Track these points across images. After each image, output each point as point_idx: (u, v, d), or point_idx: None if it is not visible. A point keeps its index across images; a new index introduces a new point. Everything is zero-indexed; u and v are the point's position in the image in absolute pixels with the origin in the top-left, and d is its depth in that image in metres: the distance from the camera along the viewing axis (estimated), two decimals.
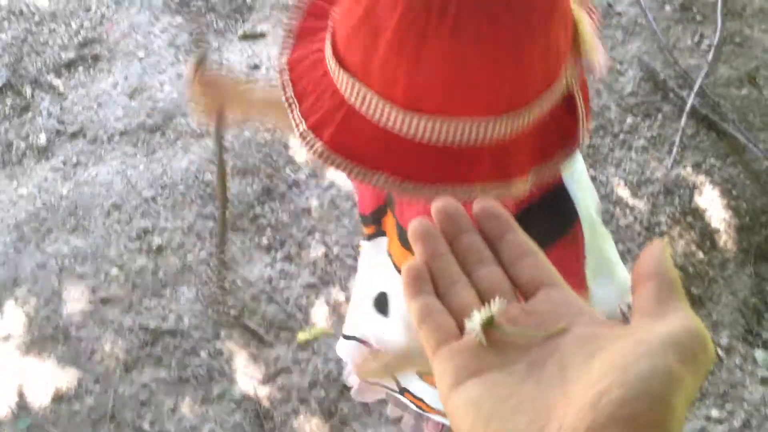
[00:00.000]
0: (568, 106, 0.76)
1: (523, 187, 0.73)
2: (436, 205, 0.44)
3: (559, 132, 0.75)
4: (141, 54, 2.50)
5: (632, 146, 2.17)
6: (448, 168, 0.71)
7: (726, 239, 2.00)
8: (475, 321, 0.38)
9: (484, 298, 0.40)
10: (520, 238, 0.42)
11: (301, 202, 2.11)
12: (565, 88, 0.75)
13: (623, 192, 2.07)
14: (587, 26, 0.73)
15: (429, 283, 0.41)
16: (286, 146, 2.22)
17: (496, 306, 0.38)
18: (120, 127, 2.30)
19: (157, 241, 2.03)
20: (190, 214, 2.07)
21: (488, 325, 0.37)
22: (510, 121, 0.70)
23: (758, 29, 2.45)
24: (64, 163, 2.24)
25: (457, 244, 0.43)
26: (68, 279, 1.99)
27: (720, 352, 1.82)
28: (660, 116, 2.23)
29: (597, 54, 0.73)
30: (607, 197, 2.06)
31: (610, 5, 2.48)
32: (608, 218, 2.02)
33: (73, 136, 2.30)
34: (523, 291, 0.41)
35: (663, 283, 0.36)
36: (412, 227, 0.43)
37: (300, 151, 2.20)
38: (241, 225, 2.06)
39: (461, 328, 0.39)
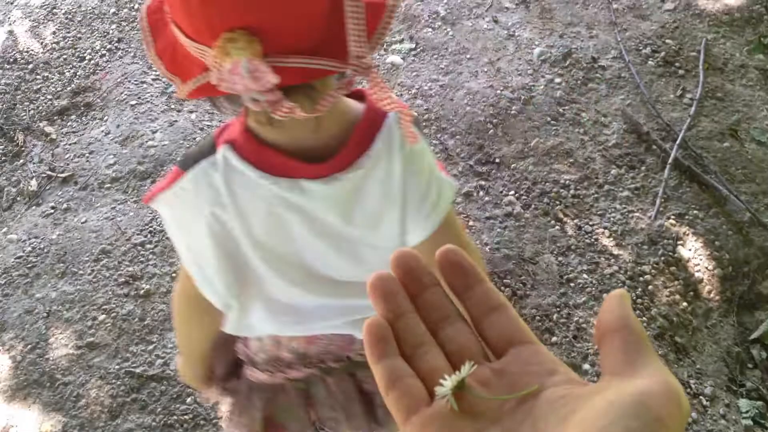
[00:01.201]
0: None
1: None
2: (396, 258, 0.41)
3: None
4: (133, 102, 2.54)
5: (616, 197, 2.21)
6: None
7: (709, 289, 2.02)
8: (446, 387, 0.37)
9: (453, 360, 0.39)
10: (487, 290, 0.40)
11: None
12: None
13: (607, 242, 2.10)
14: None
15: (394, 344, 0.39)
16: None
17: (466, 370, 0.37)
18: (111, 173, 2.32)
19: (144, 286, 2.03)
20: (178, 261, 2.07)
21: (459, 389, 0.37)
22: None
23: (739, 84, 2.51)
24: (54, 209, 2.25)
25: (420, 300, 0.41)
26: (55, 324, 1.98)
27: (704, 401, 1.83)
28: (644, 168, 2.27)
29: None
30: (591, 246, 2.09)
31: (594, 59, 2.54)
32: (593, 267, 2.05)
33: (64, 182, 2.32)
34: (492, 348, 0.40)
35: (629, 337, 0.35)
36: (372, 282, 0.40)
37: None
38: None
39: (431, 393, 0.38)
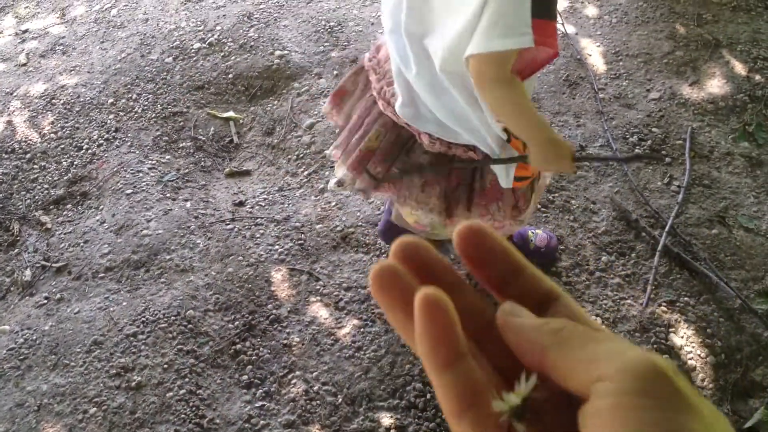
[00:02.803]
0: None
1: None
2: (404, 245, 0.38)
3: None
4: (129, 191, 2.57)
5: (607, 284, 2.22)
6: None
7: (703, 377, 2.02)
8: (507, 403, 0.33)
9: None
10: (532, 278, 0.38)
11: (282, 338, 2.12)
12: None
13: None
14: None
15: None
16: (268, 281, 2.26)
17: (529, 385, 0.34)
18: (105, 263, 2.33)
19: (136, 378, 2.02)
20: (171, 351, 2.07)
21: (522, 409, 0.33)
22: None
23: (725, 171, 2.56)
24: (48, 300, 2.25)
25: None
26: (46, 418, 1.96)
27: None
28: (634, 255, 2.29)
29: None
30: None
31: (582, 147, 2.59)
32: None
33: (58, 272, 2.33)
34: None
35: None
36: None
37: (282, 287, 2.24)
38: (221, 362, 2.06)
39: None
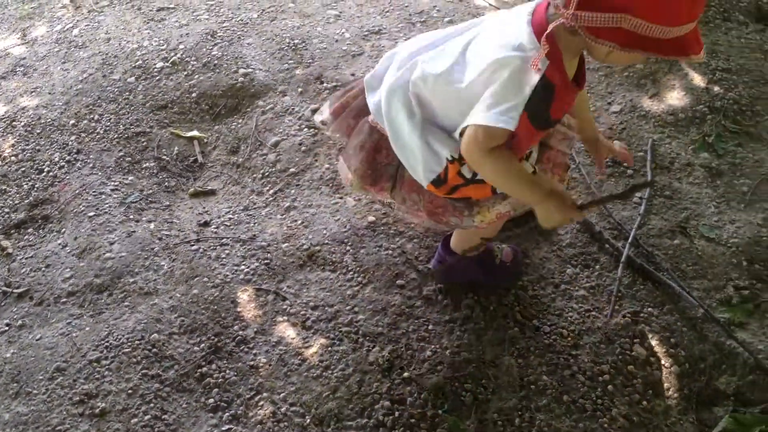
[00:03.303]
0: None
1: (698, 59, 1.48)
2: None
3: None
4: (91, 213, 2.55)
5: (573, 296, 2.24)
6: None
7: (668, 386, 2.04)
8: None
9: None
10: None
11: (249, 359, 2.11)
12: None
13: (566, 342, 2.11)
14: None
15: None
16: (234, 302, 2.24)
17: None
18: (67, 288, 2.31)
19: (100, 405, 1.99)
20: (135, 376, 2.05)
21: None
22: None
23: (686, 182, 2.59)
24: (9, 326, 2.22)
25: None
26: None
27: None
28: (598, 267, 2.31)
29: None
30: (550, 347, 2.10)
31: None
32: (552, 369, 2.05)
33: (20, 298, 2.30)
34: None
35: None
36: None
37: (248, 307, 2.22)
38: (187, 385, 2.04)
39: None
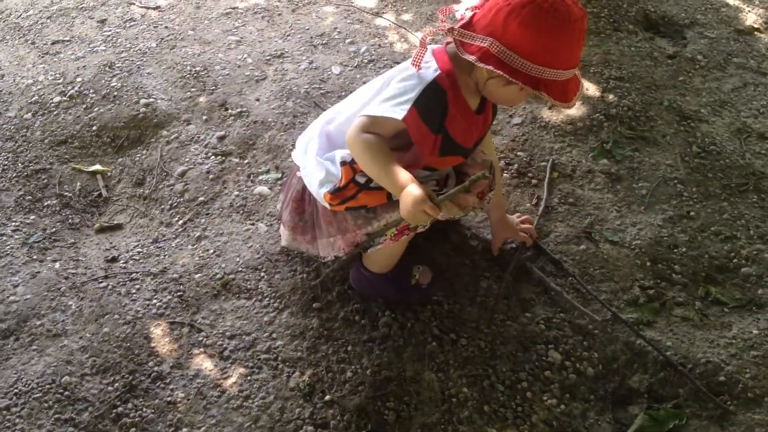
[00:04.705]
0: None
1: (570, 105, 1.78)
2: None
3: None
4: None
5: (487, 307, 2.27)
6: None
7: (583, 390, 2.09)
8: None
9: None
10: None
11: (166, 395, 2.06)
12: None
13: (483, 353, 2.15)
14: None
15: None
16: (147, 338, 2.19)
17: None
18: None
19: None
20: (48, 422, 1.98)
21: None
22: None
23: (588, 188, 2.68)
24: None
25: None
26: None
27: None
28: (510, 276, 2.36)
29: None
30: (469, 359, 2.13)
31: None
32: (472, 380, 2.08)
33: None
34: None
35: None
36: None
37: (162, 342, 2.18)
38: (103, 427, 1.98)
39: None
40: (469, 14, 1.77)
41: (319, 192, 2.00)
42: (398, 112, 1.77)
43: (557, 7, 1.64)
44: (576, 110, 3.01)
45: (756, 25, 3.73)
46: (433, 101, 1.80)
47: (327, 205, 2.01)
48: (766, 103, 3.19)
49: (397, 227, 1.98)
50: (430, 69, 1.83)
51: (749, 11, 3.83)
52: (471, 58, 1.70)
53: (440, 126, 1.85)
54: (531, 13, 1.63)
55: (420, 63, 1.81)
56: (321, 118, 2.17)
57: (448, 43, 1.86)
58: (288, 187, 2.23)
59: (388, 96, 1.83)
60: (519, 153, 2.81)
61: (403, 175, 1.78)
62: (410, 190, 1.73)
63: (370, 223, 2.00)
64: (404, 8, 3.77)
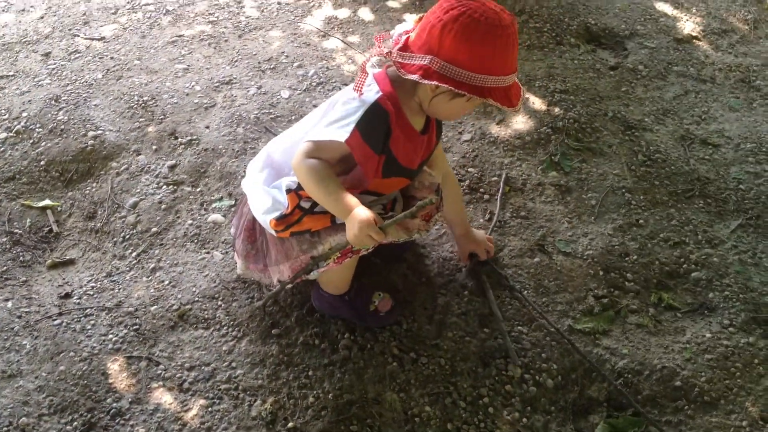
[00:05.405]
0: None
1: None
2: None
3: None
4: None
5: (446, 324, 2.29)
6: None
7: (544, 401, 2.11)
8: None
9: None
10: None
11: (126, 431, 2.03)
12: None
13: (443, 371, 2.16)
14: None
15: None
16: (104, 374, 2.16)
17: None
18: None
19: None
20: None
21: None
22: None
23: (539, 201, 2.72)
24: None
25: None
26: None
27: None
28: (466, 293, 2.38)
29: None
30: (430, 378, 2.14)
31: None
32: (434, 399, 2.09)
33: None
34: None
35: None
36: None
37: (120, 377, 2.15)
38: None
39: None
40: (403, 38, 1.83)
41: (265, 219, 2.03)
42: (341, 134, 1.80)
43: (488, 16, 1.69)
44: (523, 124, 3.06)
45: (694, 34, 3.83)
46: (375, 122, 1.83)
47: (273, 232, 2.03)
48: (708, 110, 3.28)
49: (341, 250, 1.99)
50: (372, 92, 1.86)
51: (687, 20, 3.94)
52: (413, 77, 1.74)
53: (384, 147, 1.88)
54: (464, 24, 1.69)
55: (362, 88, 1.84)
56: (268, 146, 2.20)
57: (388, 67, 1.90)
58: (240, 215, 2.24)
59: (331, 120, 1.86)
60: (470, 169, 2.84)
61: (349, 198, 1.81)
62: (357, 213, 1.77)
63: (314, 247, 2.02)
64: (351, 30, 3.80)
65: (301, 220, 1.96)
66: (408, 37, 1.82)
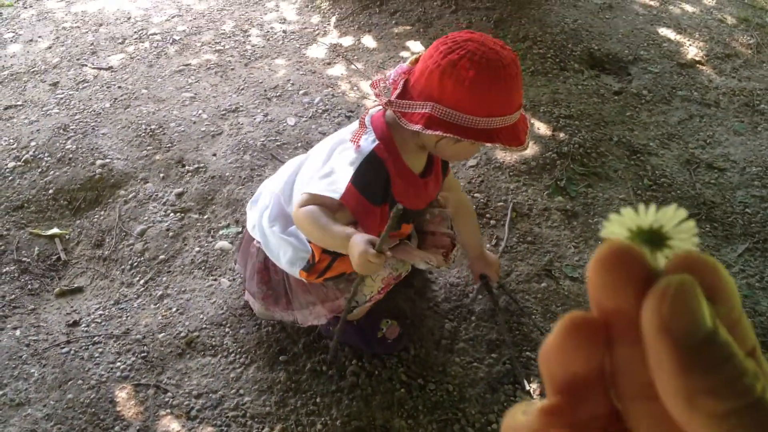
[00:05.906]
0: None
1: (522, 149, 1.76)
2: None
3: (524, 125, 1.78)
4: None
5: (453, 350, 2.29)
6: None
7: None
8: None
9: None
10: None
11: None
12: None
13: (451, 397, 2.15)
14: None
15: None
16: (112, 402, 2.16)
17: None
18: None
19: None
20: None
21: None
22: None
23: (545, 226, 2.72)
24: None
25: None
26: None
27: None
28: (474, 318, 2.38)
29: None
30: (438, 404, 2.14)
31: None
32: (442, 426, 2.09)
33: None
34: None
35: None
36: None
37: (128, 405, 2.15)
38: None
39: None
40: (401, 82, 1.75)
41: (293, 271, 2.02)
42: (335, 192, 1.76)
43: (488, 57, 1.62)
44: (529, 150, 3.07)
45: (697, 58, 3.86)
46: (371, 174, 1.80)
47: (305, 281, 2.04)
48: (713, 134, 3.29)
49: (382, 280, 2.01)
50: (369, 140, 1.82)
51: (690, 45, 3.96)
52: (416, 127, 1.66)
53: (384, 195, 1.85)
54: (464, 69, 1.63)
55: (359, 141, 1.81)
56: (266, 185, 2.19)
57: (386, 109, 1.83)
58: (247, 256, 2.22)
59: (326, 172, 1.83)
60: (476, 195, 2.85)
61: (345, 229, 1.76)
62: (352, 243, 1.71)
63: (350, 286, 2.01)
64: (355, 57, 3.83)
65: (332, 265, 1.95)
66: (407, 80, 1.75)
